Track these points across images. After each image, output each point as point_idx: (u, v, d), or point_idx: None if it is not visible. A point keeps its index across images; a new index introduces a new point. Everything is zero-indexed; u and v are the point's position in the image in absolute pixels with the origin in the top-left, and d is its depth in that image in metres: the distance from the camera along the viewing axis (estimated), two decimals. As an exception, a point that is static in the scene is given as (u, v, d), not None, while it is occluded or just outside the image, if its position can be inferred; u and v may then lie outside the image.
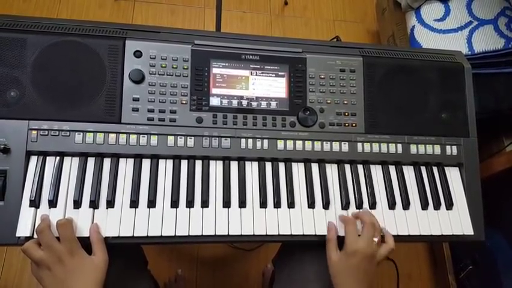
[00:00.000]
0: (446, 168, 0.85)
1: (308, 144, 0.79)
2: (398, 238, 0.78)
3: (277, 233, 0.74)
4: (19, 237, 0.66)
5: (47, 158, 0.71)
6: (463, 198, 0.83)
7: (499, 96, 1.18)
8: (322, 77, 0.82)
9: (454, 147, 0.85)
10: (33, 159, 0.70)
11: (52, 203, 0.68)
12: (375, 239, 0.73)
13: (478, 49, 1.19)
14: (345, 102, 0.82)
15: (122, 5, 1.72)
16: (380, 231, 0.75)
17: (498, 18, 1.23)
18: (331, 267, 0.73)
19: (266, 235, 0.73)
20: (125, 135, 0.73)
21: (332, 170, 0.81)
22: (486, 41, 1.20)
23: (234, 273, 1.38)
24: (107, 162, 0.73)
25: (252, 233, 0.73)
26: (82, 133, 0.71)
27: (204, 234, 0.71)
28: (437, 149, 0.84)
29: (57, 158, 0.71)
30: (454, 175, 0.85)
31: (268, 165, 0.79)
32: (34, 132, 0.70)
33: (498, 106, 1.18)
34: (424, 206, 0.81)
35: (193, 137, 0.75)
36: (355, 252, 0.71)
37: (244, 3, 1.86)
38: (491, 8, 1.25)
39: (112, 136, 0.73)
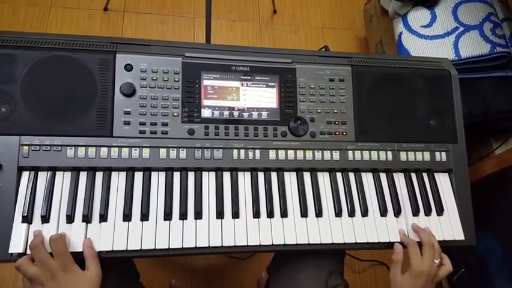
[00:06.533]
0: (435, 175, 0.87)
1: (300, 154, 0.80)
2: (390, 244, 0.79)
3: (270, 243, 0.74)
4: (12, 254, 0.66)
5: (39, 173, 0.71)
6: (453, 204, 0.85)
7: (486, 100, 1.19)
8: (312, 86, 0.83)
9: (443, 154, 0.86)
10: (25, 175, 0.70)
11: (45, 219, 0.68)
12: (436, 261, 0.75)
13: (465, 54, 1.21)
14: (335, 111, 0.83)
15: (112, 16, 1.72)
16: (439, 252, 0.77)
17: (483, 24, 1.25)
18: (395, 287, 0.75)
19: (260, 245, 0.74)
20: (117, 149, 0.73)
21: (323, 179, 0.82)
22: (472, 46, 1.22)
23: (229, 283, 1.38)
24: (99, 176, 0.73)
25: (246, 244, 0.73)
26: (73, 147, 0.71)
27: (197, 246, 0.71)
28: (427, 156, 0.85)
29: (49, 173, 0.71)
30: (443, 181, 0.86)
31: (261, 175, 0.79)
32: (26, 147, 0.70)
33: (485, 110, 1.19)
34: (415, 212, 0.82)
35: (185, 149, 0.76)
36: (421, 273, 0.73)
37: (233, 12, 1.87)
38: (476, 14, 1.27)
39: (104, 150, 0.73)
